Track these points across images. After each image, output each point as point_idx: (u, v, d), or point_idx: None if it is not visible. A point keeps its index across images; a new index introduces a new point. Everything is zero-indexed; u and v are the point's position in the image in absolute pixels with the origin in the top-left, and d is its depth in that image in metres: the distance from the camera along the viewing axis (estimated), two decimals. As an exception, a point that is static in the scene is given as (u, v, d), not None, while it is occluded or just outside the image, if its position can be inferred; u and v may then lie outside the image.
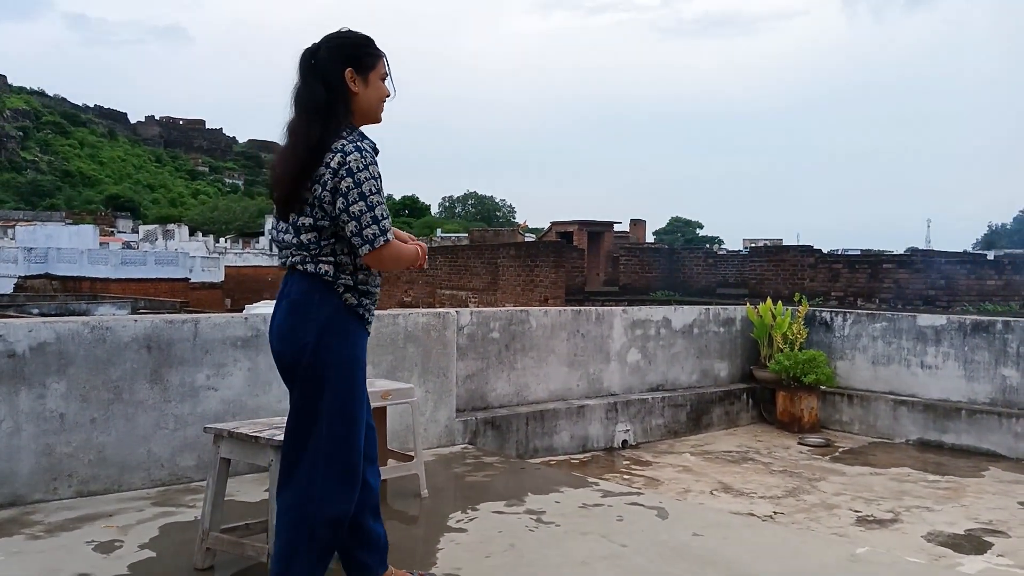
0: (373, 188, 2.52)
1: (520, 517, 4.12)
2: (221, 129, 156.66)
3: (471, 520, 4.06)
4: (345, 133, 2.57)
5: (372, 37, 2.70)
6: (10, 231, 45.12)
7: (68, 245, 32.52)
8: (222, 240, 64.72)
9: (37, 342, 4.15)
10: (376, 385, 4.46)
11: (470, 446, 5.76)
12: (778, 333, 7.92)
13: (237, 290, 38.92)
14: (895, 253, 16.85)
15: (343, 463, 2.64)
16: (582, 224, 25.93)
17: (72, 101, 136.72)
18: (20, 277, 29.01)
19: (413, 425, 4.53)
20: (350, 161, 2.49)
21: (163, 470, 4.54)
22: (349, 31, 2.68)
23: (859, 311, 8.30)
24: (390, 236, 2.57)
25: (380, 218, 2.53)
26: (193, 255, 38.07)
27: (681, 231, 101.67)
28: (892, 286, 15.32)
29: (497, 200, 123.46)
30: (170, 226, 62.15)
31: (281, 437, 3.21)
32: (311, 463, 2.62)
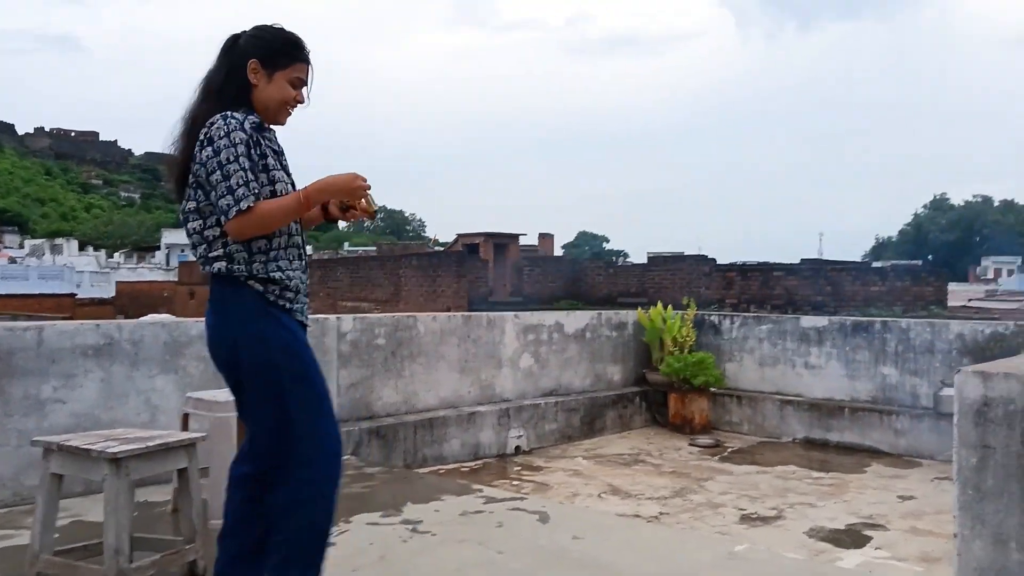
0: (232, 156, 2.33)
1: (395, 527, 3.92)
2: (116, 141, 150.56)
3: (342, 533, 3.83)
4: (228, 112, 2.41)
5: (301, 41, 2.57)
6: None
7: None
8: (116, 255, 62.07)
9: None
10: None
11: (352, 457, 5.51)
12: (668, 336, 7.97)
13: (131, 306, 37.23)
14: (786, 263, 17.40)
15: (332, 449, 2.51)
16: (488, 236, 25.89)
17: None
18: None
19: (282, 434, 4.27)
20: (213, 130, 2.36)
21: (5, 490, 4.15)
22: (280, 28, 2.57)
23: (746, 314, 8.44)
24: (245, 204, 2.32)
25: (235, 187, 2.32)
26: (81, 270, 36.19)
27: (588, 244, 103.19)
28: (783, 293, 15.78)
29: (407, 214, 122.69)
30: (58, 240, 59.20)
31: (116, 448, 2.94)
32: (304, 458, 2.46)
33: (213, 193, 2.35)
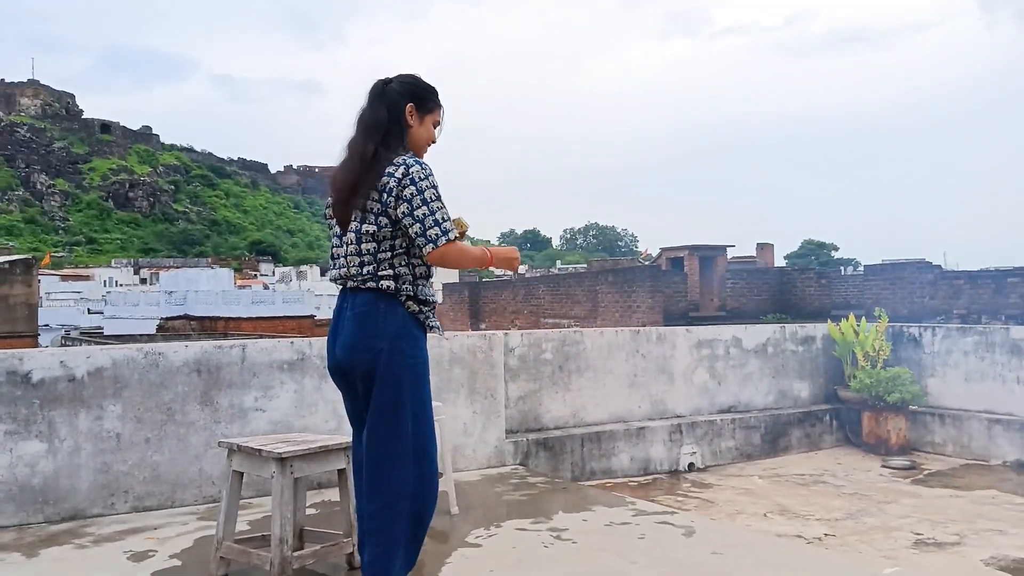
0: (434, 195, 2.72)
1: (540, 534, 4.12)
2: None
3: (490, 536, 4.09)
4: (401, 151, 2.81)
5: (437, 89, 2.98)
6: (155, 276, 48.63)
7: (206, 287, 34.83)
8: (352, 279, 67.28)
9: (95, 367, 4.52)
10: (406, 404, 4.58)
11: (521, 467, 5.78)
12: (860, 350, 7.55)
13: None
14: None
15: (430, 459, 2.81)
16: (692, 248, 25.43)
17: (217, 155, 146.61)
18: (162, 318, 31.28)
19: (440, 443, 4.60)
20: (413, 172, 2.71)
21: (214, 487, 4.80)
22: (420, 77, 2.96)
23: (949, 326, 7.79)
24: (452, 236, 2.73)
25: (442, 220, 2.72)
26: (319, 293, 39.84)
27: (815, 254, 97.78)
28: (1019, 301, 14.22)
29: (619, 230, 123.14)
30: (303, 267, 65.33)
31: (283, 449, 3.39)
32: (400, 462, 2.75)
33: (416, 225, 2.69)
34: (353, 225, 2.80)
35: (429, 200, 2.69)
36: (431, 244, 2.69)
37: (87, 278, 66.09)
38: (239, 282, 50.09)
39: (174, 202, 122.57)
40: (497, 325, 22.23)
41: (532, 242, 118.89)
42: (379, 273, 2.76)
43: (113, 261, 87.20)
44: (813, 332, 7.95)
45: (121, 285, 62.81)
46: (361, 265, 2.79)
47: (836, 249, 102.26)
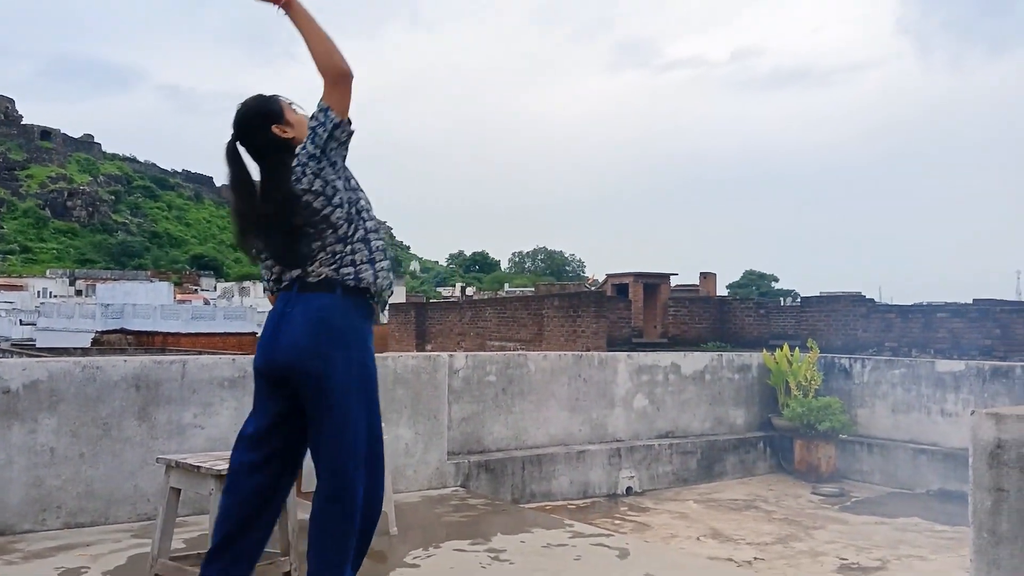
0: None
1: (478, 555, 4.16)
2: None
3: (428, 557, 4.12)
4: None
5: (258, 96, 2.95)
6: (91, 289, 47.42)
7: (144, 301, 34.10)
8: (296, 296, 66.47)
9: (31, 380, 4.44)
10: (348, 423, 4.61)
11: (461, 489, 5.82)
12: (793, 380, 7.79)
13: (306, 344, 39.86)
14: (954, 302, 16.28)
15: (379, 455, 2.84)
16: (637, 276, 25.82)
17: (161, 166, 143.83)
18: (97, 332, 30.48)
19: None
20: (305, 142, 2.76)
21: (149, 504, 4.74)
22: (240, 106, 2.91)
23: (878, 358, 8.10)
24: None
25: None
26: (262, 310, 39.28)
27: (756, 284, 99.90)
28: (947, 336, 14.79)
29: (567, 255, 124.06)
30: (246, 283, 64.34)
31: (222, 466, 3.38)
32: (351, 461, 2.73)
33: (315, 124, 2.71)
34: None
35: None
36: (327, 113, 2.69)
37: (20, 288, 64.05)
38: (179, 297, 49.11)
39: (114, 212, 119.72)
40: (443, 347, 22.24)
41: (481, 264, 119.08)
42: (317, 260, 2.73)
43: (48, 271, 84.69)
44: (749, 361, 8.17)
45: (55, 296, 61.02)
46: (304, 258, 2.76)
47: (776, 280, 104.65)
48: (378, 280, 2.82)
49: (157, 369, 4.82)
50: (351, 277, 2.75)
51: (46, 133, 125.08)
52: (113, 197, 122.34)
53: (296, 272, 2.78)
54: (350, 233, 2.77)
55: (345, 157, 2.83)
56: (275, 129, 2.83)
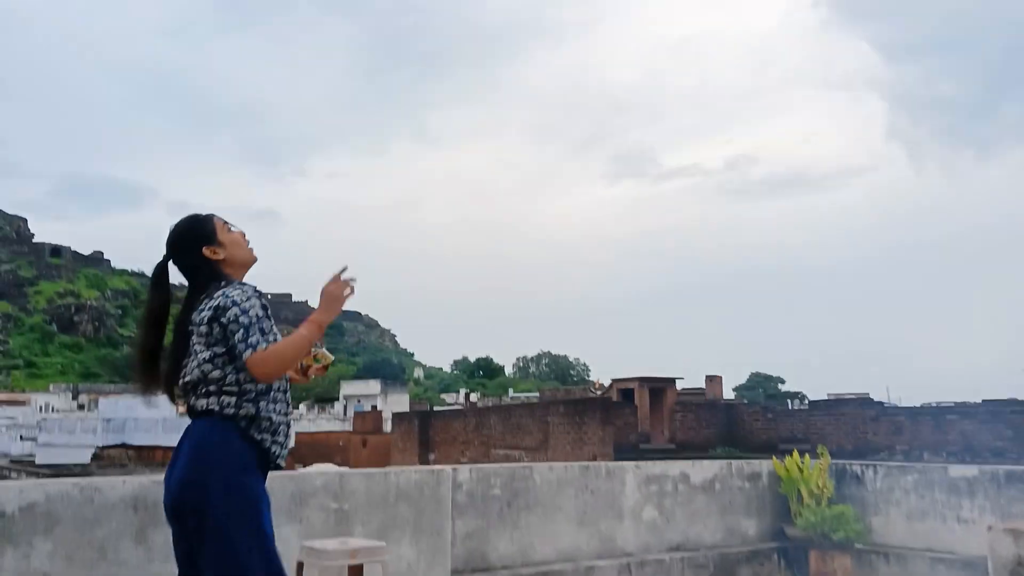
0: (256, 315, 2.77)
1: None
2: (306, 301, 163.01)
3: None
4: (223, 284, 2.91)
5: (191, 216, 3.08)
6: (94, 403, 47.15)
7: (146, 415, 33.82)
8: (300, 406, 66.18)
9: (27, 502, 4.37)
10: (348, 543, 4.51)
11: (466, 609, 5.63)
12: (804, 488, 7.63)
13: (310, 455, 39.37)
14: (964, 402, 16.13)
15: None
16: (643, 380, 25.70)
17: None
18: (98, 447, 30.13)
19: (384, 584, 4.50)
20: (233, 295, 2.82)
21: (145, 631, 4.59)
22: (175, 226, 3.04)
23: (889, 463, 7.96)
24: (263, 345, 2.70)
25: (265, 331, 2.74)
26: (266, 422, 38.91)
27: (762, 386, 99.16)
28: (958, 438, 14.57)
29: (571, 358, 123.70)
30: (249, 394, 63.92)
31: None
32: None
33: (238, 334, 2.73)
34: (184, 363, 2.89)
35: (249, 315, 2.76)
36: (249, 349, 2.68)
37: (23, 403, 63.66)
38: (181, 410, 48.64)
39: (120, 326, 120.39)
40: (447, 455, 21.89)
41: (485, 370, 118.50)
42: (213, 391, 2.76)
43: (51, 386, 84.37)
44: (759, 468, 8.03)
45: (57, 411, 60.58)
46: (195, 387, 2.82)
47: (783, 382, 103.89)
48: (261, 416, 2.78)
49: (156, 489, 4.73)
50: (230, 407, 2.75)
51: (56, 250, 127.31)
52: (120, 311, 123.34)
53: (189, 400, 2.83)
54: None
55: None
56: (206, 251, 2.94)
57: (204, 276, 2.94)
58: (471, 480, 6.17)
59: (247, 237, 3.06)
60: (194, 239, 2.96)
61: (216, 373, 2.80)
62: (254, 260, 3.08)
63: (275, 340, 2.72)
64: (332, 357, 2.98)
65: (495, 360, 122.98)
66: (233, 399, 2.76)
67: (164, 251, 3.04)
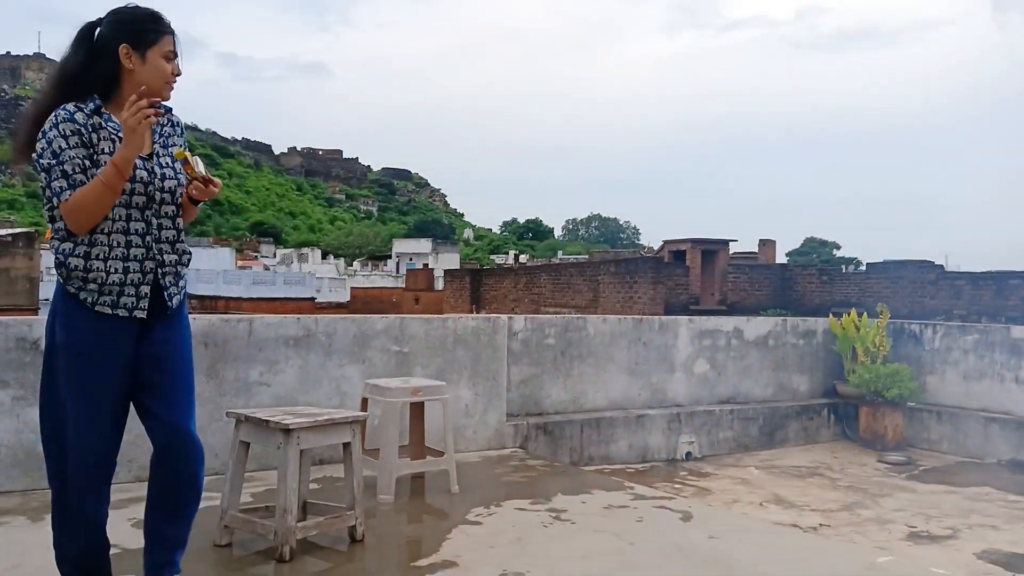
0: (55, 152, 2.39)
1: (539, 514, 4.16)
2: (357, 158, 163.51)
3: (490, 515, 4.13)
4: (90, 99, 2.49)
5: (160, 14, 2.57)
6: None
7: (207, 267, 34.88)
8: (354, 263, 67.48)
9: (103, 337, 4.55)
10: (411, 382, 4.64)
11: (520, 450, 5.83)
12: (860, 346, 7.59)
13: (363, 310, 40.51)
14: (1027, 269, 15.65)
15: (50, 456, 2.60)
16: (695, 242, 25.44)
17: (222, 135, 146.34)
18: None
19: (444, 423, 4.65)
20: (52, 118, 2.43)
21: (216, 460, 4.83)
22: (135, 6, 2.57)
23: (949, 324, 7.84)
24: (65, 196, 2.38)
25: (69, 173, 2.39)
26: (320, 276, 39.92)
27: (816, 251, 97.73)
28: (1019, 303, 14.26)
29: (621, 222, 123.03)
30: (305, 250, 65.33)
31: (290, 421, 3.42)
32: (46, 448, 2.60)
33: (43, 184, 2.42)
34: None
35: (48, 154, 2.38)
36: (55, 198, 2.39)
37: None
38: (240, 263, 50.13)
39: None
40: (497, 312, 22.28)
41: (534, 232, 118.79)
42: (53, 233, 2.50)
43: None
44: (814, 326, 7.99)
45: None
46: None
47: (838, 248, 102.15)
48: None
49: (225, 327, 4.90)
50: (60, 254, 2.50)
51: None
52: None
53: None
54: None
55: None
56: (122, 49, 2.47)
57: (92, 74, 2.49)
58: (526, 329, 6.26)
59: (175, 82, 2.60)
60: (122, 29, 2.49)
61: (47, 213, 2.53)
62: (160, 99, 2.55)
63: (83, 182, 2.39)
64: (203, 168, 2.54)
65: (544, 222, 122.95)
66: (58, 243, 2.49)
67: (89, 23, 2.56)
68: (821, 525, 4.88)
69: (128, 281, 2.52)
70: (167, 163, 2.60)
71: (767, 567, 3.42)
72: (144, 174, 2.52)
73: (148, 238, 2.55)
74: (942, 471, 6.56)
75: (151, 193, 2.54)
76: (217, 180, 2.62)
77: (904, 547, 4.46)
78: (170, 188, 2.59)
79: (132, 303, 2.53)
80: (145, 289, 2.55)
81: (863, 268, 20.08)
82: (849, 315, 7.91)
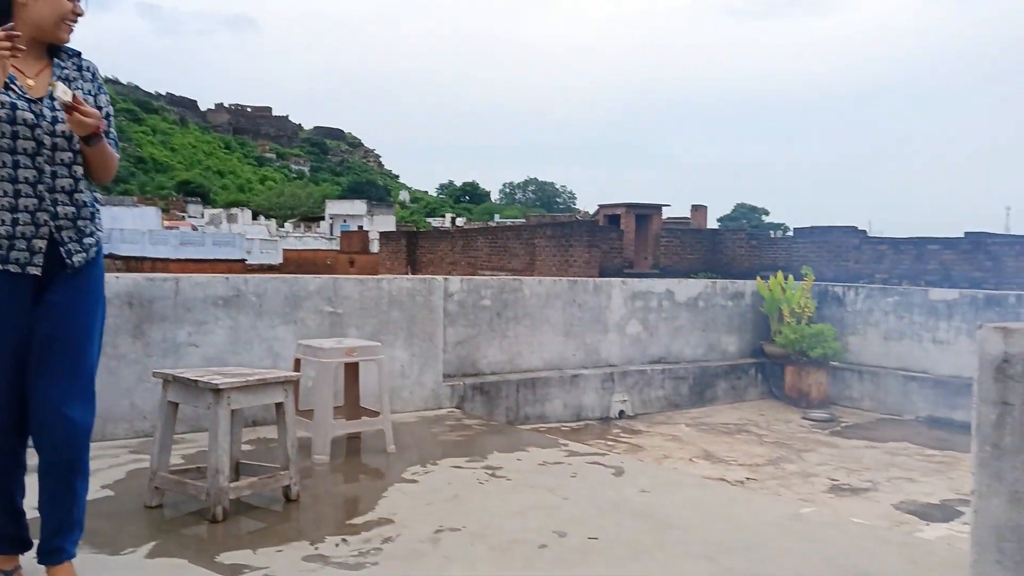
0: None
1: (476, 472, 4.20)
2: (287, 116, 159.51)
3: (427, 473, 4.15)
4: None
5: None
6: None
7: (132, 227, 33.77)
8: (286, 224, 66.16)
9: (21, 296, 4.37)
10: (345, 343, 4.59)
11: (457, 410, 5.85)
12: (787, 307, 7.81)
13: (297, 272, 39.87)
14: (944, 236, 16.27)
15: None
16: (629, 207, 25.69)
17: (145, 89, 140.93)
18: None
19: (380, 383, 4.63)
20: None
21: (145, 422, 4.74)
22: None
23: (871, 286, 8.12)
24: None
25: None
26: (252, 237, 39.05)
27: (747, 217, 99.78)
28: (938, 268, 14.85)
29: (558, 186, 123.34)
30: (234, 210, 63.78)
31: (219, 381, 3.35)
32: None
33: None
34: None
35: None
36: None
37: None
38: (166, 223, 48.69)
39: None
40: (434, 275, 22.22)
41: (471, 195, 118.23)
42: None
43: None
44: (743, 288, 8.18)
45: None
46: None
47: (767, 213, 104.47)
48: None
49: (150, 287, 4.76)
50: None
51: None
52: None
53: None
54: None
55: None
56: None
57: None
58: (462, 291, 6.24)
59: (75, 21, 2.44)
60: None
61: None
62: (55, 39, 2.43)
63: None
64: (61, 91, 2.31)
65: (481, 185, 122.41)
66: None
67: None
68: (748, 479, 5.04)
69: (18, 234, 2.34)
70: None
71: (696, 519, 3.52)
72: (29, 116, 2.35)
73: (40, 187, 2.37)
74: (863, 427, 6.83)
75: (39, 137, 2.36)
76: (90, 109, 2.36)
77: (826, 499, 4.65)
78: (63, 132, 2.39)
79: (25, 258, 2.36)
80: (39, 244, 2.37)
81: (790, 233, 20.62)
82: (776, 277, 8.11)
